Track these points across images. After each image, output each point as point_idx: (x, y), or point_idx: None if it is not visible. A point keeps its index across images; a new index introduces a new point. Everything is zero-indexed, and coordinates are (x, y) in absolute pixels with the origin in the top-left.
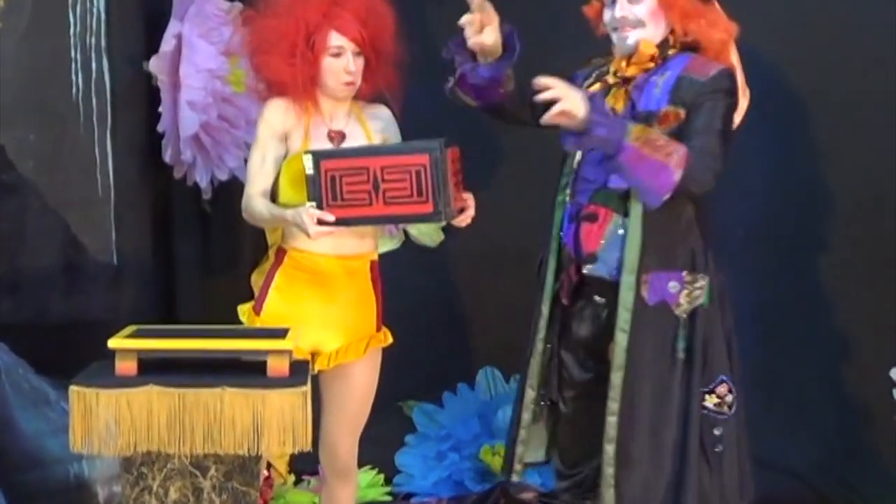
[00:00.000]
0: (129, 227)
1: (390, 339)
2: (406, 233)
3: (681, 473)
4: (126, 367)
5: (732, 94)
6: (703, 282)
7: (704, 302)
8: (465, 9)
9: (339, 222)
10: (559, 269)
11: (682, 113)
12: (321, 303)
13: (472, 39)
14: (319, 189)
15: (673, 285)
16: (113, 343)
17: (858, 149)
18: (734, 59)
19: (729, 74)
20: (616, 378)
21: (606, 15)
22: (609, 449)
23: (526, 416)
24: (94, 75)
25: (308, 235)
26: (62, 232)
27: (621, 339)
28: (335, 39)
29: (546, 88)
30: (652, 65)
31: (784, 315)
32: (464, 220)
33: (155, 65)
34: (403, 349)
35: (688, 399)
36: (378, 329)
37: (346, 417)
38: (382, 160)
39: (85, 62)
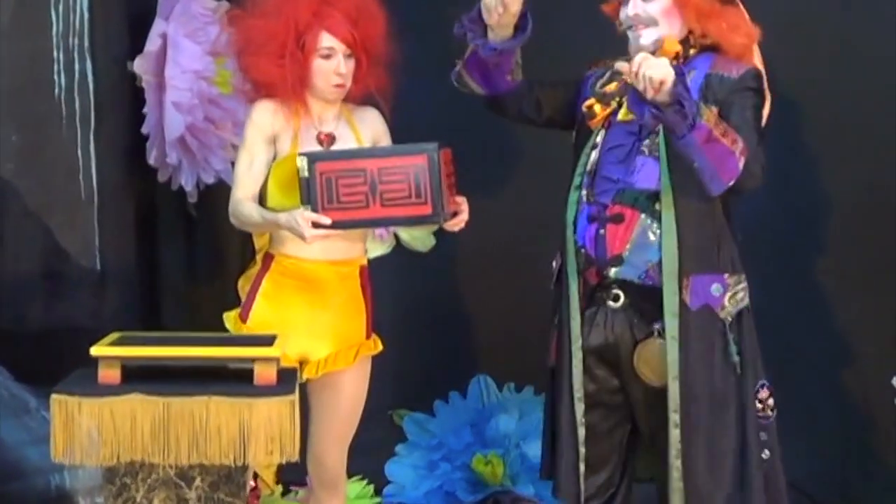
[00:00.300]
0: (113, 231)
1: (380, 347)
2: (397, 238)
3: (743, 483)
4: (109, 374)
5: (761, 93)
6: (744, 282)
7: (748, 304)
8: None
9: (336, 225)
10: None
11: (716, 111)
12: (310, 309)
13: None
14: (315, 192)
15: (716, 288)
16: (96, 350)
17: (857, 154)
18: (758, 62)
19: (757, 74)
20: (673, 388)
21: (622, 13)
22: (678, 464)
23: (582, 431)
24: (77, 76)
25: (303, 239)
26: (44, 236)
27: (672, 348)
28: (326, 40)
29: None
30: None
31: (783, 321)
32: (457, 224)
33: (139, 65)
34: (394, 357)
35: (744, 406)
36: (368, 336)
37: (335, 427)
38: (379, 161)
39: (68, 62)
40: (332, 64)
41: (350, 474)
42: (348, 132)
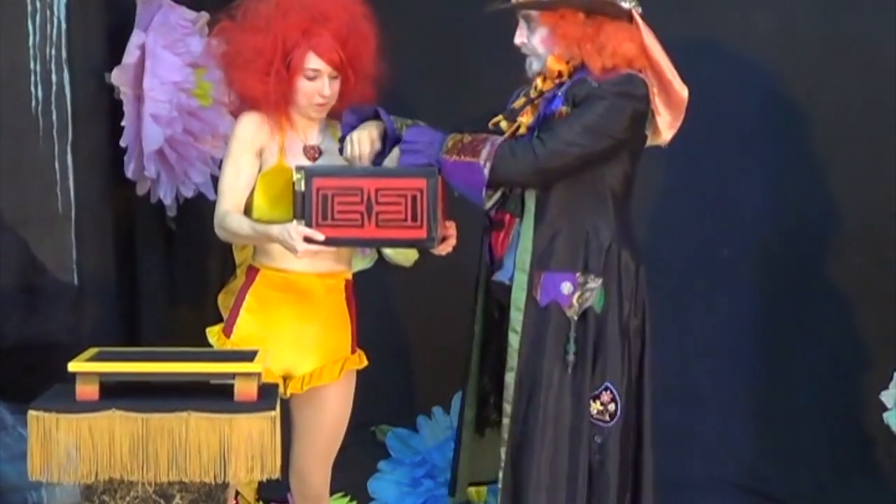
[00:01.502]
0: (91, 245)
1: (365, 362)
2: (379, 251)
3: (572, 481)
4: (87, 391)
5: (630, 97)
6: (594, 284)
7: (595, 304)
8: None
9: (328, 242)
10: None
11: (569, 111)
12: (295, 323)
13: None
14: (310, 207)
15: (566, 286)
16: (73, 366)
17: (850, 169)
18: (660, 63)
19: (628, 78)
20: (509, 379)
21: (515, 39)
22: (502, 454)
23: (467, 434)
24: (54, 87)
25: (294, 253)
26: (20, 250)
27: (513, 340)
28: (312, 62)
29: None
30: (558, 78)
31: (772, 336)
32: (445, 249)
33: (117, 77)
34: (376, 372)
35: (578, 404)
36: (353, 351)
37: (319, 443)
38: (378, 182)
39: (44, 74)
40: (317, 85)
41: (332, 491)
42: (334, 146)
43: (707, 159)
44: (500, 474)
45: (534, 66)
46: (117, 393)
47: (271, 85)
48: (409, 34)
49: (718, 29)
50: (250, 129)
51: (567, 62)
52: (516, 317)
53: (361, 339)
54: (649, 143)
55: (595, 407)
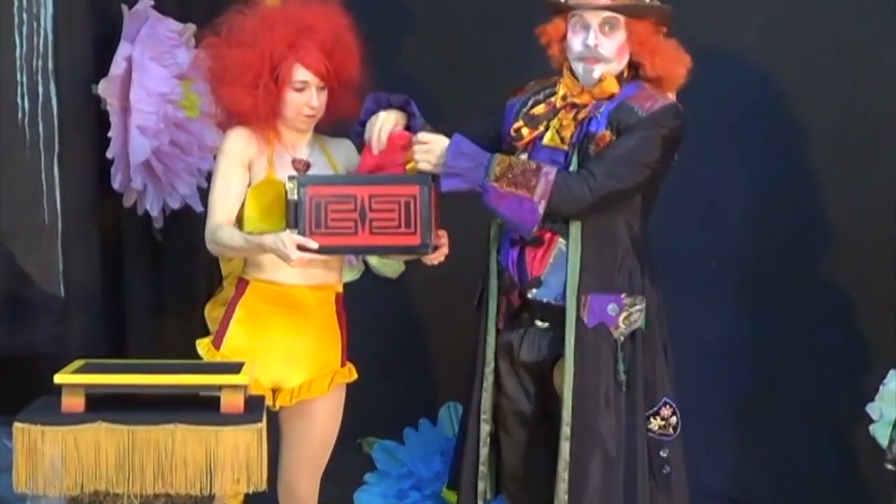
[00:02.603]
0: (78, 257)
1: (355, 375)
2: (366, 263)
3: (630, 499)
4: (73, 403)
5: (672, 129)
6: (641, 304)
7: (643, 325)
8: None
9: (322, 250)
10: (500, 295)
11: (613, 136)
12: (286, 335)
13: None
14: (304, 215)
15: (612, 307)
16: (59, 378)
17: (836, 179)
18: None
19: (672, 110)
20: (567, 401)
21: (574, 42)
22: (564, 475)
23: (485, 451)
24: (40, 99)
25: (288, 262)
26: (7, 262)
27: (569, 363)
28: (300, 74)
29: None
30: (605, 97)
31: (758, 347)
32: (437, 257)
33: (104, 88)
34: (363, 384)
35: (632, 423)
36: (343, 364)
37: (308, 456)
38: (371, 189)
39: (31, 85)
40: (305, 97)
41: (319, 503)
42: (323, 159)
43: (693, 170)
44: (563, 496)
45: (597, 72)
46: (103, 405)
47: (260, 98)
48: (426, 27)
49: (701, 39)
50: (239, 144)
51: (619, 80)
52: (570, 339)
53: (348, 351)
54: None
55: (656, 423)
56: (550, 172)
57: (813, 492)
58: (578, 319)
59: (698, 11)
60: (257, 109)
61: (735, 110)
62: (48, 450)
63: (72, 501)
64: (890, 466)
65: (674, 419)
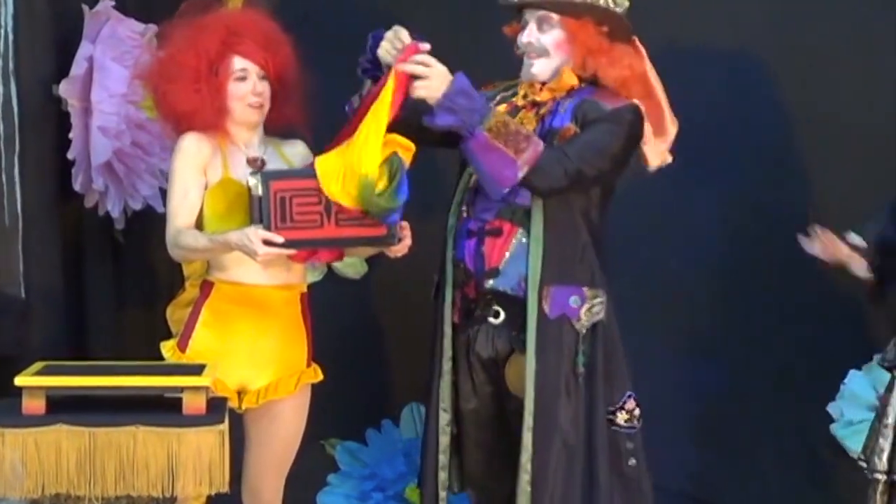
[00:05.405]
0: (38, 258)
1: (321, 376)
2: (329, 264)
3: (590, 493)
4: (34, 405)
5: (632, 126)
6: (602, 297)
7: (604, 318)
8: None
9: (288, 244)
10: (455, 288)
11: (578, 129)
12: (253, 336)
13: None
14: (268, 210)
15: (574, 299)
16: (20, 380)
17: (801, 179)
18: (658, 91)
19: (633, 109)
20: (529, 393)
21: (519, 38)
22: (528, 466)
23: (444, 440)
24: (0, 99)
25: (255, 257)
26: None
27: (530, 353)
28: (239, 63)
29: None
30: (564, 93)
31: (722, 347)
32: (400, 249)
33: (65, 89)
34: (325, 385)
35: (591, 414)
36: (308, 364)
37: (273, 457)
38: None
39: None
40: (248, 85)
41: None
42: (277, 158)
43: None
44: (527, 487)
45: (535, 67)
46: (64, 407)
47: (204, 94)
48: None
49: (668, 40)
50: (192, 147)
51: (579, 77)
52: (532, 332)
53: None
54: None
55: (622, 417)
56: (540, 144)
57: (775, 490)
58: (540, 311)
59: (663, 17)
60: (204, 107)
61: (700, 109)
62: (8, 452)
63: None
64: (866, 470)
65: (637, 411)
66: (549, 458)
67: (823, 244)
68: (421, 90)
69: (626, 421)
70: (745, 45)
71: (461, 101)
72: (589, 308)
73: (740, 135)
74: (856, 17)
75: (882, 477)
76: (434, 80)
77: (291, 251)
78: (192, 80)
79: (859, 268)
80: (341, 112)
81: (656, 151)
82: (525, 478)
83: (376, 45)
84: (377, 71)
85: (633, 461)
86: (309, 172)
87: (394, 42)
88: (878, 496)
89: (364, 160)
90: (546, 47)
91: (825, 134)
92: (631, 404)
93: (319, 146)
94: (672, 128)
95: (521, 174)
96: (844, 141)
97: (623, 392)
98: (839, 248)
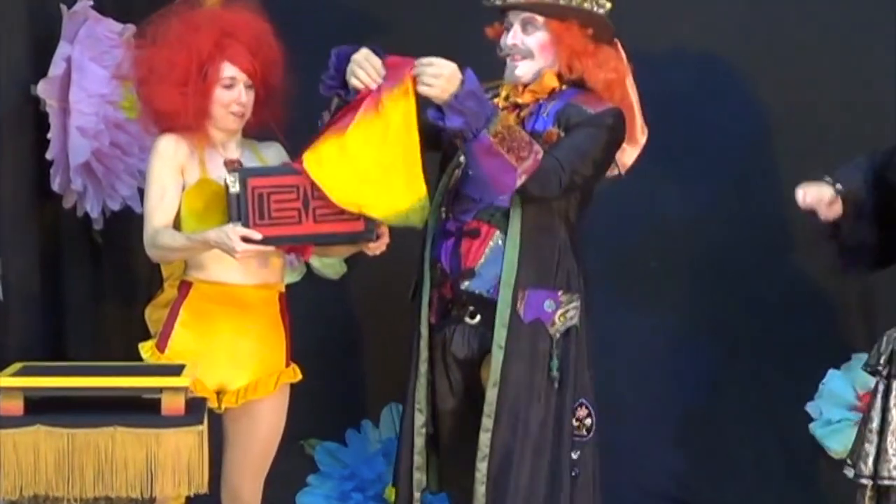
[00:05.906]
0: (16, 258)
1: (300, 376)
2: (308, 264)
3: (553, 497)
4: (11, 406)
5: (615, 131)
6: (577, 303)
7: (577, 323)
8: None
9: (267, 241)
10: (432, 289)
11: (562, 133)
12: (232, 336)
13: None
14: (246, 208)
15: (549, 304)
16: None
17: (777, 179)
18: (633, 97)
19: (617, 114)
20: (491, 394)
21: (502, 40)
22: (482, 467)
23: (419, 441)
24: None
25: (233, 255)
26: None
27: (497, 355)
28: (228, 70)
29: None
30: (546, 95)
31: (699, 350)
32: (378, 247)
33: (43, 89)
34: (304, 385)
35: (560, 418)
36: (287, 364)
37: (252, 458)
38: None
39: None
40: (234, 94)
41: None
42: (254, 161)
43: (634, 170)
44: (480, 487)
45: (520, 69)
46: (42, 408)
47: (189, 96)
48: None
49: (642, 40)
50: (169, 148)
51: (560, 79)
52: (501, 333)
53: (291, 353)
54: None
55: (573, 422)
56: (539, 153)
57: (754, 490)
58: (514, 314)
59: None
60: (187, 109)
61: (672, 112)
62: None
63: None
64: (854, 476)
65: (588, 421)
66: (517, 460)
67: (807, 187)
68: (427, 88)
69: (575, 429)
70: (719, 46)
71: (470, 105)
72: (563, 313)
73: (714, 133)
74: (831, 19)
75: (868, 482)
76: (444, 81)
77: (270, 248)
78: (180, 81)
79: (834, 210)
80: (317, 115)
81: (630, 158)
82: (478, 476)
83: (340, 62)
84: (342, 88)
85: (575, 471)
86: (286, 170)
87: (368, 71)
88: (865, 501)
89: (413, 185)
90: (531, 49)
91: (799, 134)
92: (582, 412)
93: (295, 147)
94: (642, 137)
95: (519, 182)
96: (818, 141)
97: (578, 398)
98: (823, 190)
